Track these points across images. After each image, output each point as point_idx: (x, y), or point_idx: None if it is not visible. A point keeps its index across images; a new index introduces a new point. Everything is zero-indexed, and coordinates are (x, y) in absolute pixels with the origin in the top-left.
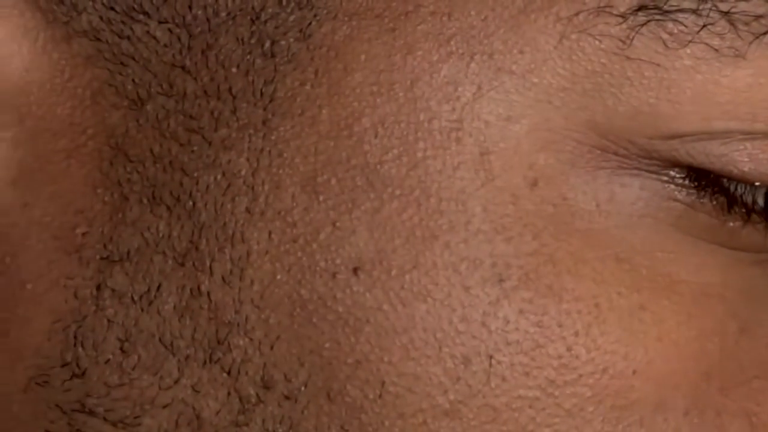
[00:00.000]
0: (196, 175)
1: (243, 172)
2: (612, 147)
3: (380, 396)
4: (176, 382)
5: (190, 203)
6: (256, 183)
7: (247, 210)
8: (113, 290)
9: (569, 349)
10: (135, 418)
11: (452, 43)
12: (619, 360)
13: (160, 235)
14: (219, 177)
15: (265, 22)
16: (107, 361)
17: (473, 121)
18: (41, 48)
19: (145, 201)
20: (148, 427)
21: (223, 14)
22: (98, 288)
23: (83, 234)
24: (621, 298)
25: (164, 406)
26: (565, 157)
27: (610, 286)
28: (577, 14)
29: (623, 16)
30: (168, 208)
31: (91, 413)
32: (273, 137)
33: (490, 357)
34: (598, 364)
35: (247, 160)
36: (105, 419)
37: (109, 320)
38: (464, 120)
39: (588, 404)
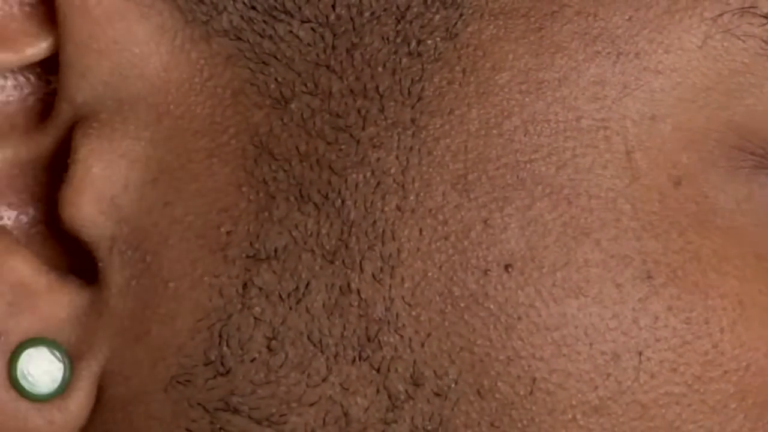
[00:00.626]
0: (344, 173)
1: (393, 171)
2: (750, 146)
3: (531, 392)
4: (324, 379)
5: (339, 201)
6: (406, 181)
7: (398, 208)
8: (260, 288)
9: (715, 346)
10: (281, 416)
11: (598, 42)
12: (761, 357)
13: (309, 232)
14: (368, 175)
15: (411, 21)
16: (253, 360)
17: (620, 119)
18: (179, 47)
19: (291, 199)
20: (295, 424)
21: (367, 14)
22: (244, 286)
23: (228, 232)
24: (762, 296)
25: (311, 404)
26: (707, 157)
27: (752, 284)
28: (721, 15)
29: (767, 17)
30: (316, 205)
31: (236, 411)
32: (422, 135)
33: (640, 353)
34: (742, 361)
35: (397, 158)
36: (250, 417)
37: (256, 318)
38: (611, 119)
39: (731, 401)
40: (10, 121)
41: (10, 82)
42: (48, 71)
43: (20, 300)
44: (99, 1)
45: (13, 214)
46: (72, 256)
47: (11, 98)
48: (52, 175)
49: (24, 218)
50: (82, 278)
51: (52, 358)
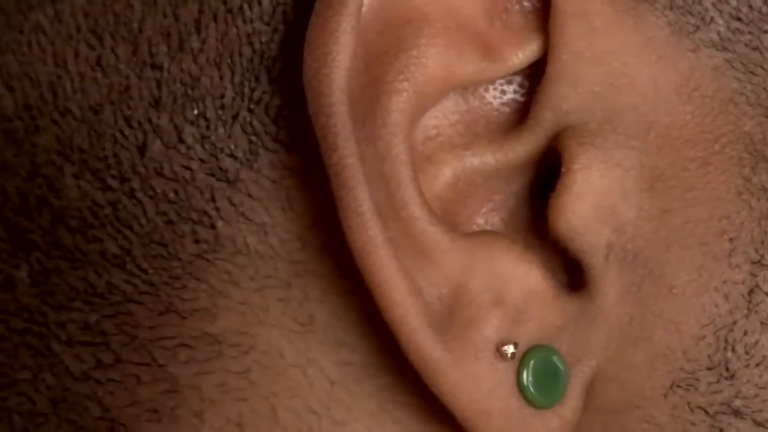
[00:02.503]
0: None
1: None
2: None
3: None
4: None
5: None
6: None
7: None
8: (766, 294)
9: None
10: None
11: None
12: None
13: None
14: None
15: None
16: (758, 364)
17: None
18: (667, 58)
19: None
20: None
21: None
22: (750, 292)
23: (731, 239)
24: None
25: None
26: None
27: None
28: None
29: None
30: None
31: (738, 414)
32: None
33: None
34: None
35: None
36: (753, 420)
37: (762, 323)
38: None
39: None
40: (473, 130)
41: (470, 93)
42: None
43: (529, 308)
44: (599, 12)
45: (481, 221)
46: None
47: (471, 108)
48: (516, 183)
49: (489, 228)
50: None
51: (553, 365)
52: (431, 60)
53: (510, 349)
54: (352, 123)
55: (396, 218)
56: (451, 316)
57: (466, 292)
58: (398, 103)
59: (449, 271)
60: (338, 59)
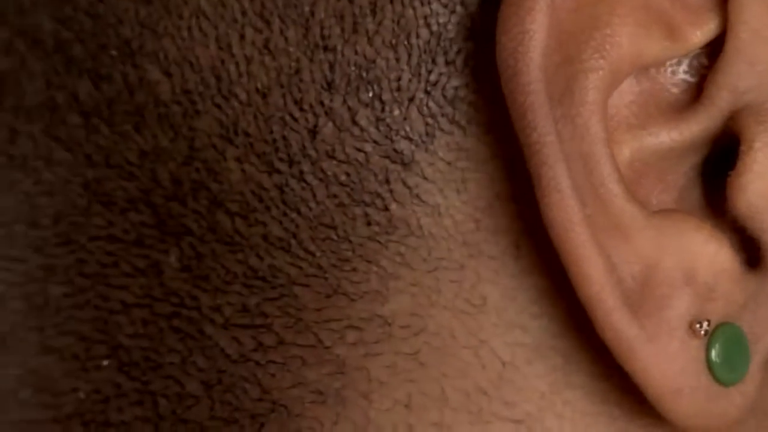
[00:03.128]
0: None
1: None
2: None
3: None
4: None
5: None
6: None
7: None
8: None
9: None
10: None
11: None
12: None
13: None
14: None
15: None
16: None
17: None
18: None
19: None
20: None
21: None
22: None
23: None
24: None
25: None
26: None
27: None
28: None
29: None
30: None
31: None
32: None
33: None
34: None
35: None
36: None
37: None
38: None
39: None
40: (646, 110)
41: (642, 73)
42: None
43: (719, 286)
44: None
45: (654, 202)
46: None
47: (644, 89)
48: (686, 162)
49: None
50: None
51: (739, 343)
52: (624, 38)
53: (702, 326)
54: (548, 101)
55: (594, 195)
56: (644, 294)
57: (658, 270)
58: (595, 81)
59: (642, 248)
60: (536, 38)
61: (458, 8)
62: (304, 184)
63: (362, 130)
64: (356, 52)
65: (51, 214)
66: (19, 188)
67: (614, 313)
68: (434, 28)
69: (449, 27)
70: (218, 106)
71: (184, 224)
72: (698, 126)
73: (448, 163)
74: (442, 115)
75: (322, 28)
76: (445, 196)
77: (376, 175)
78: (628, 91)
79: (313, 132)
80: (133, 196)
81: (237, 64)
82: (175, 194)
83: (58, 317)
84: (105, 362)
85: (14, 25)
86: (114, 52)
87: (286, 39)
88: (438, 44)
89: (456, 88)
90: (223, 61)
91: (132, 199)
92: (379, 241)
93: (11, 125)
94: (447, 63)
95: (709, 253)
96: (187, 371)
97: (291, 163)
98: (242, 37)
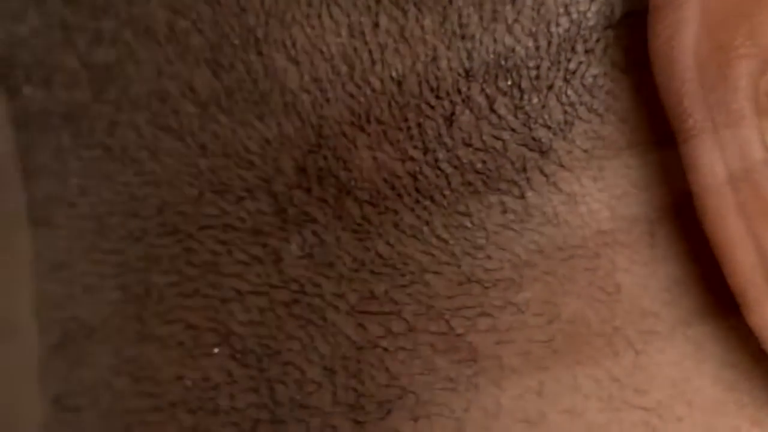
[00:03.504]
0: None
1: None
2: None
3: None
4: None
5: None
6: None
7: None
8: None
9: None
10: None
11: None
12: None
13: None
14: None
15: None
16: None
17: None
18: None
19: None
20: None
21: None
22: None
23: None
24: None
25: None
26: None
27: None
28: None
29: None
30: None
31: None
32: None
33: None
34: None
35: None
36: None
37: None
38: None
39: None
40: None
41: None
42: None
43: None
44: None
45: None
46: None
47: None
48: None
49: None
50: None
51: None
52: None
53: None
54: (702, 89)
55: (748, 181)
56: None
57: None
58: (748, 68)
59: None
60: (690, 25)
61: None
62: (438, 172)
63: (500, 118)
64: (495, 40)
65: (155, 205)
66: (116, 180)
67: (765, 301)
68: (574, 16)
69: (589, 15)
70: (350, 95)
71: (308, 212)
72: None
73: (585, 151)
74: (581, 103)
75: (459, 16)
76: (582, 184)
77: (513, 163)
78: None
79: (450, 120)
80: (251, 184)
81: (370, 52)
82: (298, 182)
83: (161, 306)
84: (216, 350)
85: (122, 15)
86: (236, 41)
87: (422, 27)
88: (578, 32)
89: (595, 77)
90: (355, 49)
91: (249, 188)
92: (514, 229)
93: (111, 117)
94: (586, 51)
95: None
96: (308, 357)
97: (426, 150)
98: (376, 25)
